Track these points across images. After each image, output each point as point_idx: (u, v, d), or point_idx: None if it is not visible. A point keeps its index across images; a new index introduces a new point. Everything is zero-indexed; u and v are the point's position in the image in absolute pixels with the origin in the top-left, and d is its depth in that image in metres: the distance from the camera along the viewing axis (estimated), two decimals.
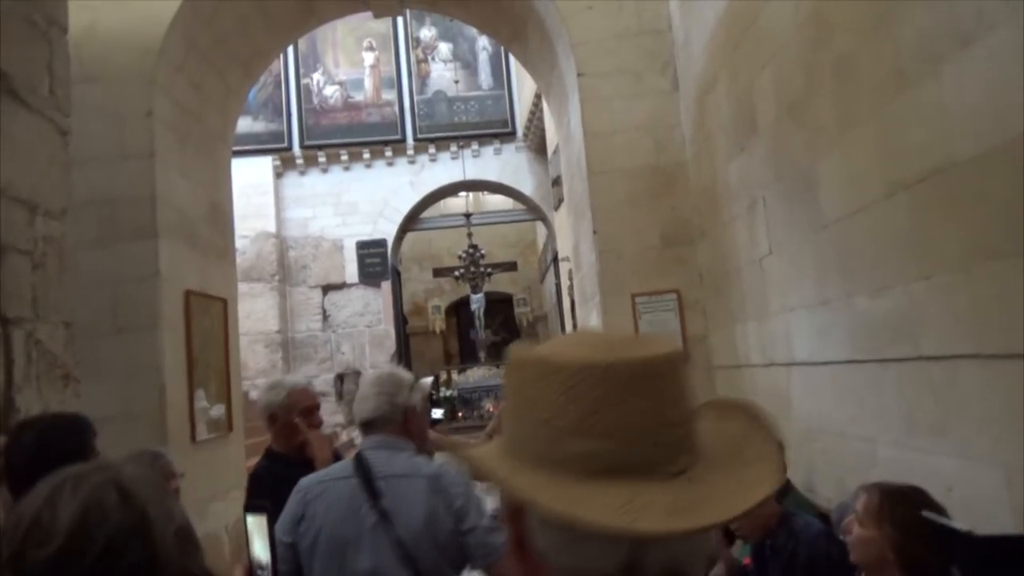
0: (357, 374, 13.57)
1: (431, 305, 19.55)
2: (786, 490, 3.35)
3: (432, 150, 14.04)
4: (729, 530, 2.91)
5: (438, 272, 18.09)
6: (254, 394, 11.55)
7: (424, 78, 13.97)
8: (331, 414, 12.91)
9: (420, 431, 2.28)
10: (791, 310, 3.75)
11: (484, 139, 14.11)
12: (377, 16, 7.32)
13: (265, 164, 13.45)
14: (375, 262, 13.79)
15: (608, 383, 0.70)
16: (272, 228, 13.38)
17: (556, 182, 11.36)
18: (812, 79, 3.31)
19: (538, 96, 11.11)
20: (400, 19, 13.52)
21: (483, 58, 14.06)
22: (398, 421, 2.22)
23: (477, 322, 17.84)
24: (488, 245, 17.32)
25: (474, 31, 12.54)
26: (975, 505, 2.24)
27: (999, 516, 2.15)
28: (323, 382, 13.45)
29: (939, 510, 1.85)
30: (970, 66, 2.19)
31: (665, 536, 0.66)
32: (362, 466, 2.13)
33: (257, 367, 12.61)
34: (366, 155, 13.98)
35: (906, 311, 2.63)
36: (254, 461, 4.22)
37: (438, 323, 19.39)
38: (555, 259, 13.79)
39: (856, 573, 2.09)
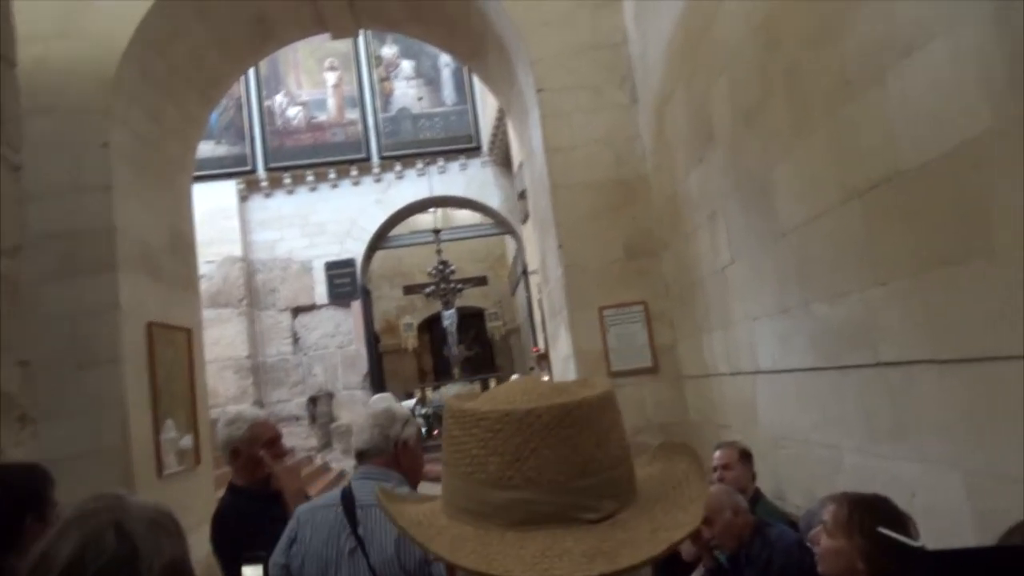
0: (330, 396, 13.44)
1: (403, 323, 19.43)
2: (756, 499, 3.37)
3: (398, 168, 14.01)
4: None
5: (409, 289, 18.01)
6: None
7: (387, 96, 13.95)
8: (304, 437, 12.78)
9: (412, 463, 2.38)
10: (754, 319, 3.79)
11: (450, 155, 14.10)
12: (335, 37, 7.30)
13: (229, 188, 13.31)
14: (344, 282, 13.69)
15: (525, 431, 0.72)
16: (238, 252, 13.23)
17: (522, 196, 11.39)
18: (765, 87, 3.35)
19: (502, 111, 11.15)
20: (361, 38, 13.50)
21: (446, 74, 14.07)
22: (389, 452, 2.32)
23: (450, 338, 17.77)
24: (458, 260, 17.30)
25: (436, 48, 12.56)
26: (938, 510, 2.27)
27: (961, 520, 2.18)
28: (296, 406, 13.30)
29: (904, 519, 1.87)
30: (912, 75, 2.24)
31: None
32: (347, 495, 2.23)
33: (227, 394, 12.43)
34: (332, 175, 13.90)
35: (864, 318, 2.66)
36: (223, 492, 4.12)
37: (411, 341, 19.27)
38: (525, 272, 13.80)
39: None
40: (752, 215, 3.68)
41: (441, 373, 19.40)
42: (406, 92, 13.99)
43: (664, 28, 4.70)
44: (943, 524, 2.20)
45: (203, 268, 10.06)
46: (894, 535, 1.30)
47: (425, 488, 2.25)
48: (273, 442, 2.89)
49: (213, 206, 12.58)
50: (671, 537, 0.72)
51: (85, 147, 4.89)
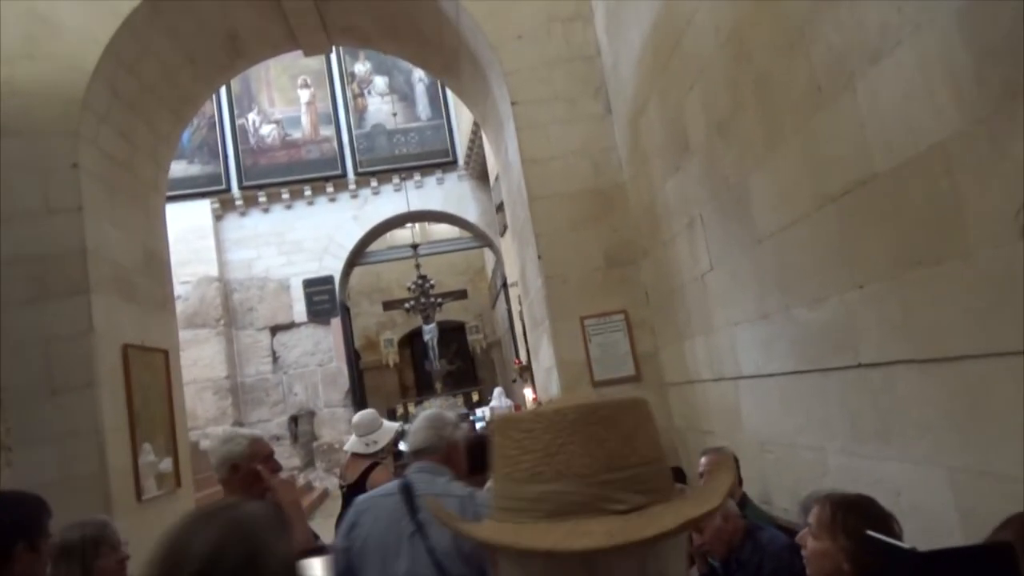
0: (312, 415, 13.33)
1: (383, 339, 19.34)
2: (743, 503, 3.38)
3: (374, 183, 13.99)
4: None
5: (388, 305, 17.93)
6: (205, 444, 11.23)
7: (361, 112, 13.94)
8: (287, 457, 12.62)
9: (460, 461, 2.69)
10: (735, 324, 3.81)
11: (426, 169, 14.11)
12: (308, 54, 7.28)
13: (203, 207, 13.21)
14: (323, 299, 13.61)
15: (553, 430, 0.78)
16: (214, 272, 13.11)
17: (500, 208, 11.40)
18: (737, 98, 3.39)
19: (477, 124, 11.18)
20: (334, 55, 13.50)
21: (420, 89, 14.10)
22: (442, 451, 2.62)
23: (431, 352, 17.70)
24: (437, 274, 17.26)
25: (409, 63, 12.59)
26: (923, 508, 2.28)
27: (946, 517, 2.19)
28: (277, 425, 13.17)
29: (888, 518, 1.87)
30: (881, 81, 2.26)
31: (595, 549, 0.71)
32: (406, 485, 2.47)
33: (207, 415, 12.29)
34: (307, 192, 13.84)
35: (843, 320, 2.68)
36: None
37: (391, 356, 19.18)
38: (505, 284, 13.80)
39: None
40: (730, 222, 3.70)
41: (423, 388, 19.31)
42: (380, 108, 13.99)
43: (635, 41, 4.74)
44: (929, 522, 2.22)
45: (179, 289, 9.95)
46: (882, 537, 1.30)
47: None
48: (268, 458, 2.93)
49: (187, 226, 12.47)
50: (689, 514, 0.77)
51: (55, 168, 4.82)
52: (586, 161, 5.47)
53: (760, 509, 3.43)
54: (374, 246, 15.28)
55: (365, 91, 14.02)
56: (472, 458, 3.46)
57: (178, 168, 11.95)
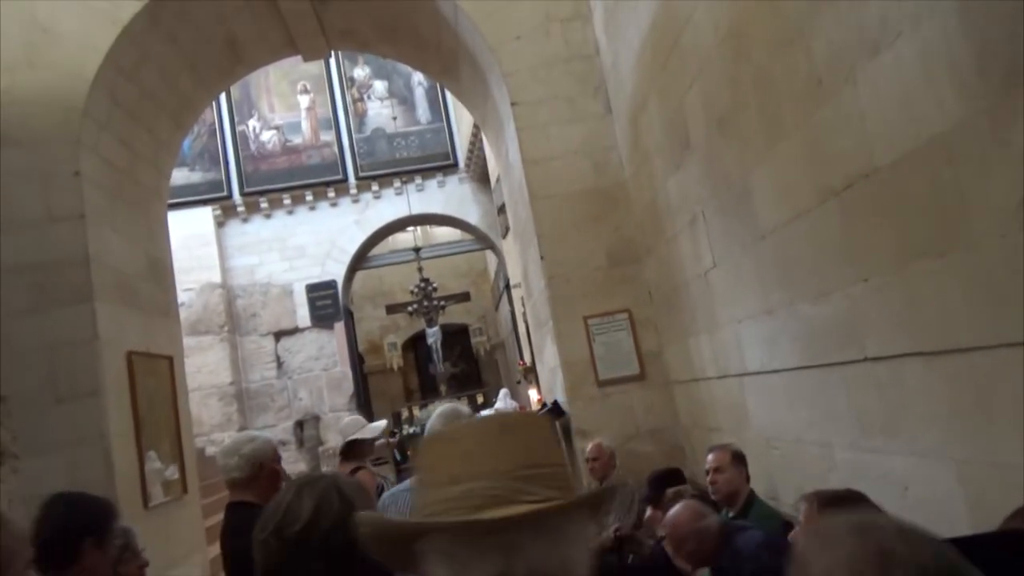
0: (317, 419, 13.32)
1: (387, 342, 19.32)
2: (751, 501, 3.37)
3: (375, 187, 13.98)
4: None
5: (391, 309, 17.92)
6: (211, 450, 11.23)
7: (361, 116, 13.94)
8: (293, 462, 12.60)
9: None
10: (739, 321, 3.80)
11: (427, 173, 14.10)
12: (307, 59, 7.28)
13: (205, 214, 13.21)
14: (326, 304, 13.60)
15: (478, 436, 0.92)
16: (217, 278, 13.11)
17: (501, 210, 11.40)
18: (737, 94, 3.38)
19: (477, 127, 11.18)
20: (333, 60, 13.50)
21: (419, 93, 14.09)
22: None
23: (435, 355, 17.68)
24: (440, 277, 17.25)
25: (408, 67, 12.60)
26: (931, 501, 2.27)
27: (955, 510, 2.18)
28: (282, 430, 13.15)
29: (876, 511, 1.87)
30: (881, 73, 2.26)
31: (504, 519, 0.83)
32: None
33: (212, 422, 12.28)
34: (309, 197, 13.84)
35: (848, 315, 2.67)
36: (212, 521, 3.98)
37: (395, 360, 19.16)
38: (507, 286, 13.79)
39: None
40: (732, 219, 3.69)
41: (428, 391, 19.29)
42: (380, 112, 13.99)
43: (634, 39, 4.74)
44: (937, 515, 2.20)
45: (182, 296, 9.95)
46: None
47: None
48: (280, 458, 3.08)
49: (190, 233, 12.48)
50: (591, 501, 0.93)
51: (56, 176, 4.83)
52: (587, 160, 5.47)
53: (767, 505, 3.42)
54: (376, 250, 15.28)
55: (365, 95, 14.02)
56: None
57: (179, 175, 11.96)
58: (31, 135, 4.85)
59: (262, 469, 2.93)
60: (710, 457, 3.48)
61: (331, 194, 13.90)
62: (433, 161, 14.00)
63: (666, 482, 3.71)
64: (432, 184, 14.22)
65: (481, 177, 13.80)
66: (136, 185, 5.77)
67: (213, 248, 13.23)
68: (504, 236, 12.26)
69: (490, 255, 16.67)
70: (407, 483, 2.87)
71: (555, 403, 5.74)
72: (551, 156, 5.45)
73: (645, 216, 5.19)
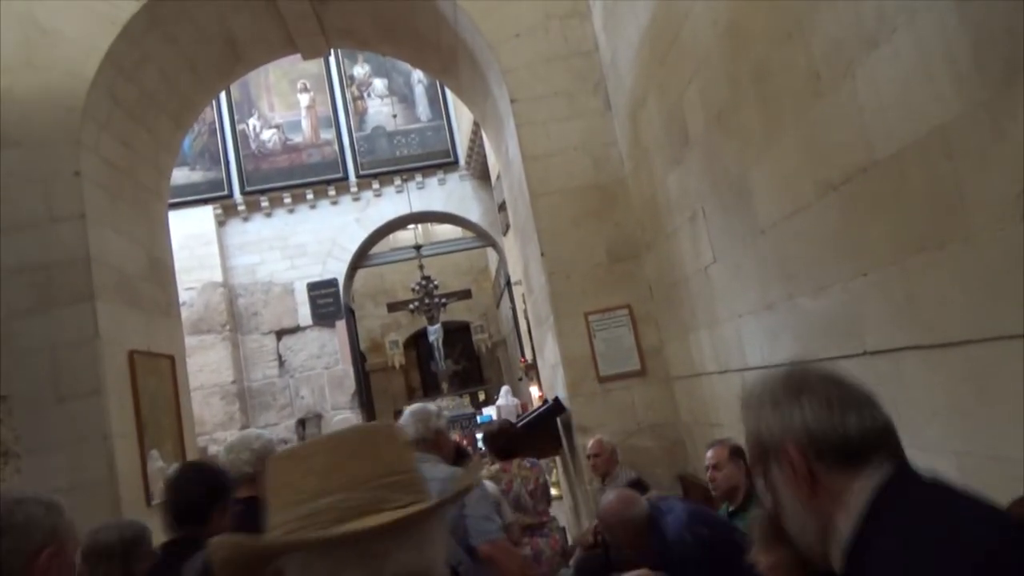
0: (319, 418, 13.33)
1: (388, 340, 19.33)
2: (750, 495, 3.37)
3: (376, 185, 13.98)
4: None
5: (392, 307, 17.92)
6: (213, 449, 11.24)
7: (361, 115, 13.94)
8: None
9: (446, 445, 3.11)
10: (740, 316, 3.80)
11: (427, 170, 14.10)
12: (306, 57, 7.28)
13: (206, 214, 13.22)
14: (328, 302, 13.61)
15: (332, 451, 0.92)
16: (218, 277, 13.12)
17: (502, 207, 11.40)
18: (736, 89, 3.38)
19: (477, 124, 11.18)
20: (332, 58, 13.50)
21: (419, 90, 14.09)
22: (431, 439, 3.02)
23: (437, 353, 17.68)
24: (441, 275, 17.25)
25: (408, 65, 12.60)
26: None
27: None
28: (284, 429, 13.16)
29: None
30: (879, 68, 2.26)
31: (378, 528, 0.85)
32: None
33: (215, 420, 12.30)
34: (309, 196, 13.85)
35: (847, 309, 2.68)
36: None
37: (397, 358, 19.16)
38: (508, 283, 13.80)
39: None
40: (732, 214, 3.70)
41: (429, 389, 19.30)
42: (380, 110, 13.98)
43: (632, 35, 4.74)
44: None
45: (183, 295, 9.96)
46: None
47: None
48: None
49: (191, 232, 12.49)
50: (441, 498, 0.96)
51: (57, 177, 4.84)
52: (587, 157, 5.47)
53: None
54: (377, 248, 15.28)
55: (364, 94, 14.02)
56: (495, 445, 4.44)
57: (180, 175, 11.97)
58: (31, 135, 4.86)
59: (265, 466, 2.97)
60: (708, 454, 3.49)
61: (332, 192, 13.91)
62: (433, 159, 14.00)
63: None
64: (433, 182, 14.22)
65: (481, 174, 13.80)
66: (136, 185, 5.77)
67: (214, 247, 13.24)
68: (505, 233, 12.26)
69: (491, 252, 16.67)
70: None
71: (556, 399, 5.75)
72: (551, 153, 5.45)
73: (645, 212, 5.19)
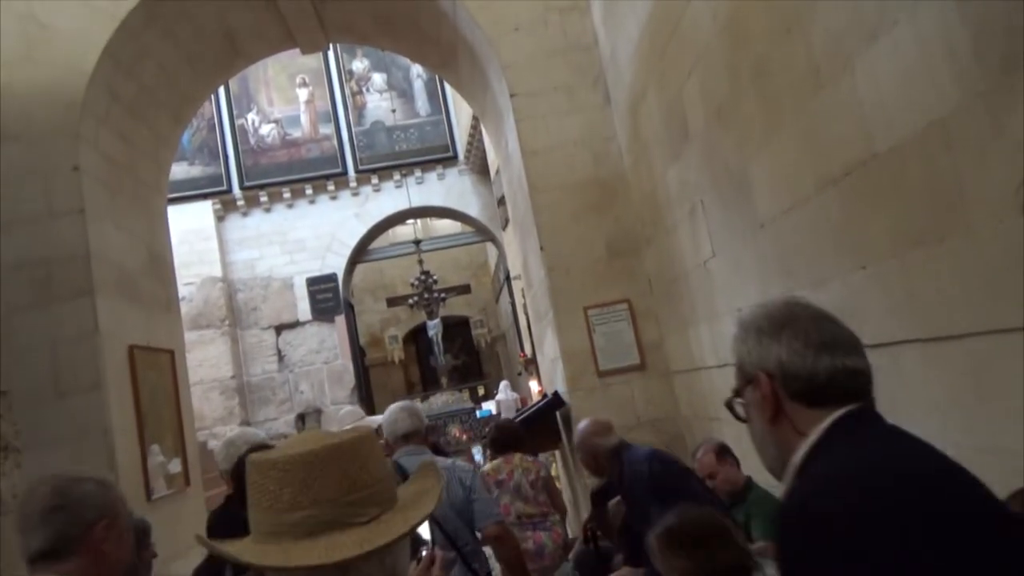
0: (318, 412, 13.35)
1: (388, 335, 19.34)
2: (748, 486, 3.39)
3: (375, 180, 13.98)
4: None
5: (392, 301, 17.93)
6: (213, 444, 11.25)
7: (360, 109, 13.93)
8: None
9: (429, 439, 3.44)
10: (739, 310, 3.80)
11: (426, 165, 14.10)
12: (305, 52, 7.26)
13: (205, 209, 13.22)
14: (327, 297, 13.62)
15: (308, 467, 0.99)
16: (218, 272, 13.13)
17: (501, 202, 11.40)
18: (735, 83, 3.38)
19: (476, 119, 11.16)
20: (331, 53, 13.49)
21: (418, 85, 14.08)
22: (422, 434, 3.24)
23: (436, 348, 17.69)
24: (440, 270, 17.26)
25: (407, 60, 12.58)
26: None
27: None
28: (284, 423, 13.19)
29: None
30: (879, 61, 2.26)
31: (353, 558, 0.95)
32: (399, 468, 2.82)
33: (214, 415, 12.32)
34: (309, 191, 13.85)
35: (847, 302, 2.68)
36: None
37: (396, 353, 19.18)
38: (508, 278, 13.80)
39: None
40: (731, 208, 3.70)
41: (429, 383, 19.34)
42: (379, 105, 13.97)
43: (631, 30, 4.73)
44: None
45: (183, 290, 9.97)
46: None
47: None
48: None
49: (190, 227, 12.49)
50: (412, 520, 1.05)
51: (56, 172, 4.83)
52: (586, 151, 5.47)
53: (766, 492, 3.42)
54: (376, 243, 15.29)
55: (364, 88, 14.00)
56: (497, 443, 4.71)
57: (179, 170, 11.96)
58: (30, 131, 4.85)
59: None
60: (697, 466, 3.51)
61: (331, 187, 13.90)
62: (433, 153, 13.99)
63: (607, 496, 3.74)
64: (432, 177, 14.21)
65: (481, 169, 13.79)
66: (136, 180, 5.77)
67: (213, 242, 13.24)
68: (504, 228, 12.26)
69: (490, 247, 16.67)
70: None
71: (555, 394, 5.75)
72: (550, 147, 5.45)
73: (644, 206, 5.19)
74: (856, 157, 2.46)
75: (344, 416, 4.71)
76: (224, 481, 3.38)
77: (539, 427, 5.79)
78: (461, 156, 13.96)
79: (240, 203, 13.62)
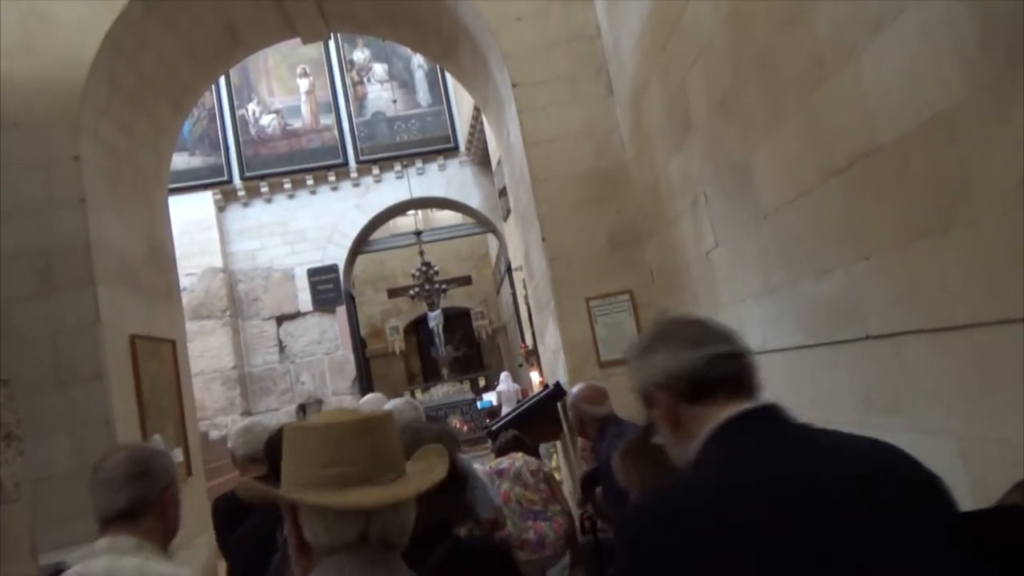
0: (319, 403, 13.38)
1: (389, 326, 19.37)
2: None
3: (376, 171, 13.97)
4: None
5: (393, 292, 17.95)
6: (214, 434, 11.28)
7: (361, 100, 13.90)
8: None
9: None
10: (741, 301, 3.80)
11: (427, 156, 14.09)
12: (306, 42, 7.24)
13: (206, 199, 13.23)
14: (328, 288, 13.64)
15: (345, 434, 1.21)
16: (219, 263, 13.14)
17: (502, 193, 11.39)
18: (739, 73, 3.36)
19: (477, 109, 11.13)
20: (332, 43, 13.45)
21: (419, 76, 14.04)
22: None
23: (437, 339, 17.72)
24: (441, 261, 17.27)
25: (408, 50, 12.54)
26: None
27: (958, 486, 2.18)
28: (285, 414, 13.22)
29: None
30: (884, 51, 2.24)
31: (383, 504, 1.18)
32: None
33: (215, 406, 12.36)
34: (309, 181, 13.84)
35: (850, 293, 2.67)
36: None
37: (397, 344, 19.21)
38: (509, 269, 13.80)
39: None
40: (734, 199, 3.69)
41: (430, 374, 19.37)
42: (380, 95, 13.95)
43: (633, 21, 4.71)
44: None
45: (184, 281, 9.98)
46: None
47: None
48: None
49: (191, 218, 12.50)
50: (420, 485, 1.26)
51: (56, 162, 4.82)
52: (588, 142, 5.45)
53: None
54: (377, 234, 15.29)
55: (364, 79, 13.97)
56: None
57: (180, 160, 11.96)
58: (31, 120, 4.85)
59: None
60: None
61: (332, 178, 13.90)
62: (434, 144, 13.98)
63: (595, 482, 3.75)
64: (433, 167, 14.20)
65: (482, 160, 13.77)
66: (136, 170, 5.76)
67: (214, 233, 13.25)
68: (505, 219, 12.25)
69: (491, 238, 16.66)
70: None
71: (557, 384, 5.76)
72: (552, 138, 5.44)
73: (647, 197, 5.18)
74: (860, 148, 2.45)
75: (368, 402, 4.83)
76: (237, 467, 3.45)
77: (540, 417, 5.80)
78: (462, 147, 13.94)
79: (241, 193, 13.62)
